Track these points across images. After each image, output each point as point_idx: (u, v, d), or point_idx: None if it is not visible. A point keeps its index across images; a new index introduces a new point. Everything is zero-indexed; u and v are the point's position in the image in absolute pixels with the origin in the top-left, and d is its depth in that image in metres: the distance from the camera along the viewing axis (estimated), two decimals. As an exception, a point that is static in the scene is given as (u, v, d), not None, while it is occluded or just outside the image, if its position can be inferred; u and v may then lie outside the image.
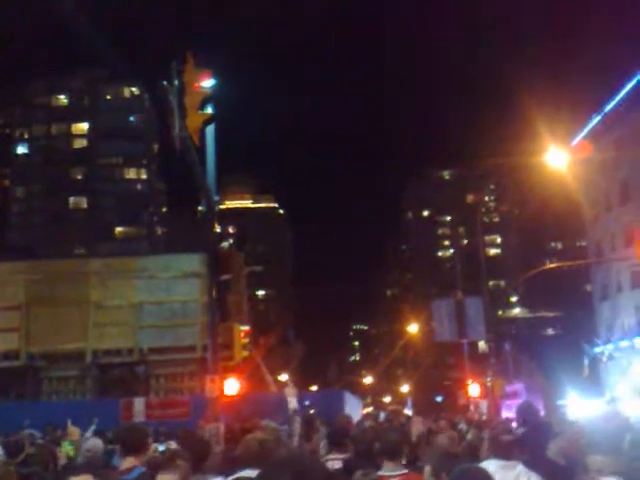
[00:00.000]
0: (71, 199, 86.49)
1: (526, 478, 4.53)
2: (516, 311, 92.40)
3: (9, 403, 22.32)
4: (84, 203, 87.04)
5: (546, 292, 72.53)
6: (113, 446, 8.21)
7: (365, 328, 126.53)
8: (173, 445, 9.05)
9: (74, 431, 12.13)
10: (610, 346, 36.31)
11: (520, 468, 4.82)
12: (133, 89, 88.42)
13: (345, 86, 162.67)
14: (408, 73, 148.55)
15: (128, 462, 5.11)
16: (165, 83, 13.11)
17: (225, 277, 15.70)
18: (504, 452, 4.91)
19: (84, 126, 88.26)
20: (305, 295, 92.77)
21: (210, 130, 15.27)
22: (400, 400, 62.84)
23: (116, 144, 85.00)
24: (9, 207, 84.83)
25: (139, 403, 21.60)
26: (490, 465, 4.28)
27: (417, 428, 7.90)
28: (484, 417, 17.88)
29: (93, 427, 14.97)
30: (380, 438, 5.41)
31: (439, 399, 68.04)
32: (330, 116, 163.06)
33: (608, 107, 39.10)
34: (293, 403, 6.25)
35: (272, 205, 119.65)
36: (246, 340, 27.80)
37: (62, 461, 9.02)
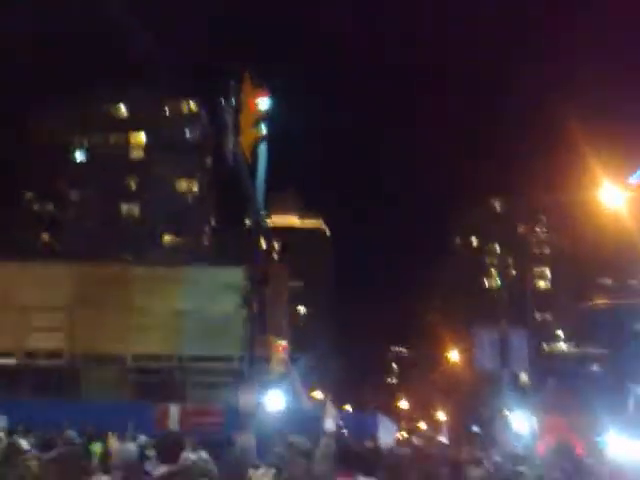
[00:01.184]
0: (124, 206, 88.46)
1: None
2: (561, 346, 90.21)
3: (48, 402, 22.78)
4: (136, 211, 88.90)
5: (593, 328, 70.68)
6: (147, 451, 8.33)
7: (404, 351, 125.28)
8: (204, 455, 9.11)
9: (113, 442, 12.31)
10: (657, 388, 35.04)
11: None
12: (191, 104, 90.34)
13: (399, 109, 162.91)
14: (461, 100, 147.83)
15: (161, 469, 5.37)
16: (223, 101, 13.41)
17: (267, 291, 15.83)
18: None
19: (142, 137, 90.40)
20: (346, 314, 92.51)
21: (262, 148, 15.51)
22: (436, 427, 61.86)
23: (171, 156, 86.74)
24: (64, 211, 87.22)
25: (174, 410, 21.80)
26: None
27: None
28: (522, 451, 17.46)
29: (130, 431, 15.19)
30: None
31: (476, 429, 66.68)
32: (382, 137, 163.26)
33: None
34: (330, 424, 6.20)
35: (318, 224, 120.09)
36: (284, 355, 27.86)
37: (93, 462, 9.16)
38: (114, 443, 14.60)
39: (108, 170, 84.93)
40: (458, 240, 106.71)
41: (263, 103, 13.98)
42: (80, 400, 25.25)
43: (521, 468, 7.46)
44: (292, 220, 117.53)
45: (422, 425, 77.46)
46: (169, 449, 5.77)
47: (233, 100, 13.19)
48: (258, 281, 15.42)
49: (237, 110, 13.20)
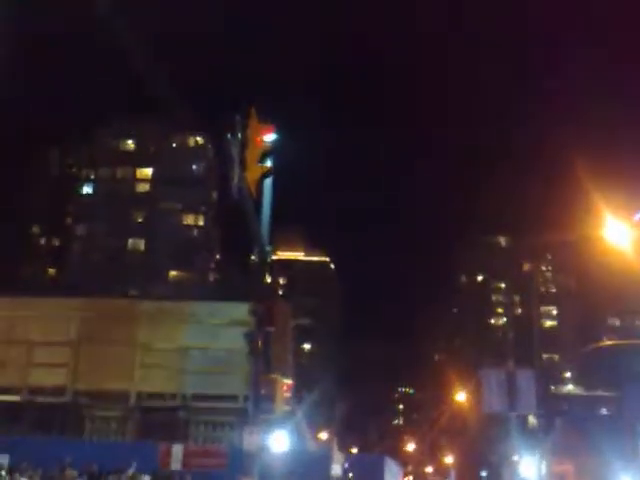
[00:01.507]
0: (130, 240, 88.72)
1: None
2: (569, 388, 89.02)
3: (51, 439, 22.49)
4: (142, 245, 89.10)
5: (601, 370, 69.84)
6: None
7: (410, 392, 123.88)
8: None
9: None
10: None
11: None
12: (198, 138, 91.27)
13: (405, 146, 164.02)
14: (464, 132, 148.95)
15: None
16: (229, 136, 13.49)
17: (271, 329, 15.70)
18: None
19: (148, 171, 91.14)
20: (351, 353, 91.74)
21: (267, 182, 15.59)
22: (443, 472, 60.75)
23: (177, 190, 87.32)
24: (70, 245, 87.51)
25: (177, 450, 21.48)
26: None
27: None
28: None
29: (132, 470, 14.97)
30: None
31: (484, 474, 65.46)
32: (388, 176, 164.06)
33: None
34: (337, 470, 6.06)
35: (323, 259, 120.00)
36: (288, 394, 27.54)
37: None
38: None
39: (114, 204, 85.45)
40: (464, 278, 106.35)
41: (269, 138, 14.09)
42: (83, 438, 24.96)
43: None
44: (297, 255, 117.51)
45: (429, 469, 76.15)
46: None
47: (239, 135, 13.26)
48: (263, 318, 15.29)
49: (243, 145, 13.26)
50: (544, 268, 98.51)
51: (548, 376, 70.00)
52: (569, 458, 26.32)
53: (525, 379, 19.26)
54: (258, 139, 13.73)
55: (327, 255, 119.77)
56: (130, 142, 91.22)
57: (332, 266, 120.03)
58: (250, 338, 15.32)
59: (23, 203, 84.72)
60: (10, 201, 79.87)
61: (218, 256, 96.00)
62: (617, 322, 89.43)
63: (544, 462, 19.87)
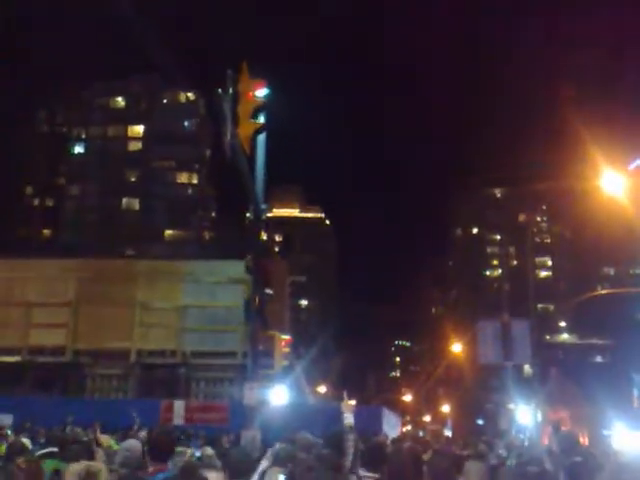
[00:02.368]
0: (124, 200, 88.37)
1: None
2: (564, 336, 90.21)
3: (53, 398, 22.77)
4: (136, 205, 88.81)
5: (596, 319, 70.69)
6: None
7: (407, 344, 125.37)
8: (209, 451, 9.04)
9: (104, 439, 12.26)
10: (661, 377, 35.03)
11: None
12: (189, 94, 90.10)
13: (399, 98, 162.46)
14: (462, 87, 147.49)
15: (155, 466, 5.49)
16: (220, 91, 13.25)
17: (268, 286, 15.75)
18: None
19: (140, 129, 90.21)
20: (348, 307, 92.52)
21: (261, 139, 15.40)
22: (440, 420, 61.93)
23: (170, 148, 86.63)
24: (63, 205, 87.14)
25: (179, 406, 21.80)
26: None
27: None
28: (526, 443, 17.42)
29: (136, 427, 15.15)
30: (430, 464, 5.33)
31: (480, 422, 66.78)
32: (382, 128, 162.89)
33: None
34: (350, 419, 6.16)
35: (319, 215, 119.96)
36: (287, 349, 27.85)
37: (100, 455, 9.12)
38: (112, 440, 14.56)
39: (107, 163, 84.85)
40: (459, 231, 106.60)
41: (261, 93, 13.84)
42: (85, 396, 25.27)
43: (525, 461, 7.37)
44: (293, 212, 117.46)
45: (426, 418, 77.58)
46: (160, 447, 5.77)
47: (230, 90, 13.00)
48: (259, 275, 15.31)
49: (235, 100, 13.01)
50: (539, 219, 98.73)
51: (543, 326, 70.80)
52: (564, 406, 26.82)
53: (520, 329, 19.45)
54: (250, 94, 13.50)
55: (323, 211, 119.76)
56: (120, 100, 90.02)
57: (328, 222, 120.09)
58: (248, 295, 15.37)
59: (14, 164, 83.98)
60: (1, 162, 79.17)
61: (213, 214, 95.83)
62: (612, 271, 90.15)
63: (539, 410, 20.25)
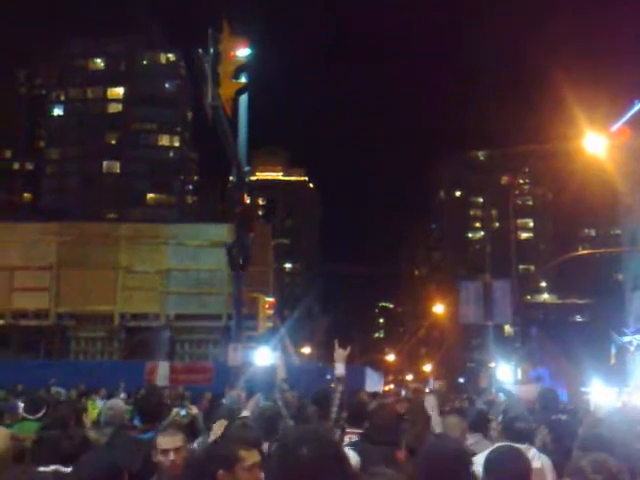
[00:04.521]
0: (104, 163, 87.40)
1: (539, 462, 4.53)
2: (545, 297, 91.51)
3: (37, 361, 22.84)
4: (117, 168, 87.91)
5: (576, 279, 71.65)
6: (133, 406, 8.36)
7: (391, 306, 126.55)
8: (194, 410, 9.14)
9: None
10: (638, 336, 35.75)
11: (533, 451, 4.89)
12: (169, 55, 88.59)
13: (381, 61, 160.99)
14: (444, 50, 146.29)
15: (145, 425, 5.61)
16: (200, 51, 13.03)
17: (252, 248, 15.74)
18: (517, 436, 4.98)
19: (119, 91, 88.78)
20: (332, 270, 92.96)
21: (243, 100, 15.20)
22: (422, 379, 62.83)
23: (150, 110, 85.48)
24: (43, 168, 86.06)
25: (163, 367, 21.96)
26: None
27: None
28: (504, 399, 17.76)
29: (121, 388, 15.27)
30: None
31: (461, 380, 67.97)
32: (365, 91, 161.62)
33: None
34: (340, 369, 6.17)
35: (302, 178, 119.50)
36: (271, 311, 28.03)
37: (87, 420, 9.17)
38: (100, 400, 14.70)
39: (87, 126, 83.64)
40: (442, 194, 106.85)
41: (243, 52, 13.58)
42: (69, 359, 25.35)
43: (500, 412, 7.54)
44: (277, 175, 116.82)
45: (409, 377, 78.77)
46: (148, 407, 5.86)
47: (211, 50, 12.75)
48: (242, 238, 15.29)
49: (216, 60, 12.78)
50: (521, 181, 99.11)
51: (524, 286, 71.69)
52: (544, 364, 27.35)
53: (501, 289, 19.75)
54: (231, 53, 13.26)
55: (307, 174, 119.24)
56: (99, 61, 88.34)
57: (312, 185, 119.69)
58: (231, 258, 15.36)
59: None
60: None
61: (196, 178, 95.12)
62: (592, 232, 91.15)
63: (520, 368, 20.65)
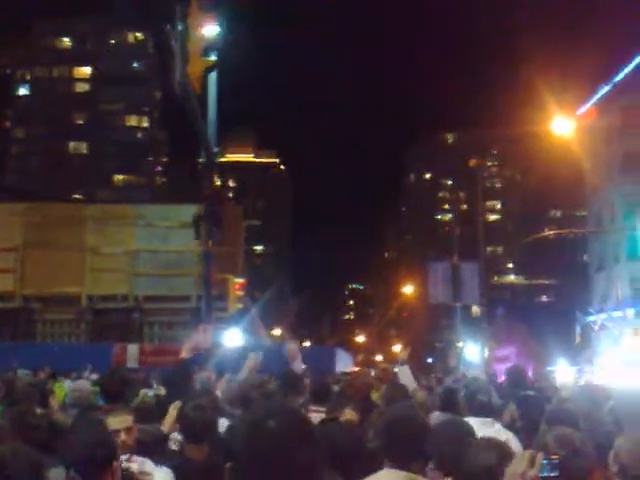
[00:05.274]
0: (71, 144, 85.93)
1: (505, 436, 4.57)
2: (511, 277, 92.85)
3: (3, 344, 22.47)
4: (84, 148, 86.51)
5: (542, 260, 72.77)
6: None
7: (361, 288, 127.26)
8: (163, 391, 9.10)
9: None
10: (603, 315, 36.56)
11: (498, 426, 4.92)
12: (137, 34, 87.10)
13: (351, 43, 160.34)
14: (412, 33, 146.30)
15: (109, 405, 5.52)
16: (169, 27, 12.77)
17: (222, 230, 15.63)
18: (480, 410, 5.01)
19: (87, 70, 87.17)
20: (303, 252, 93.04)
21: (212, 78, 14.99)
22: (392, 359, 63.38)
23: (118, 90, 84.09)
24: (8, 149, 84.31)
25: (133, 349, 21.78)
26: (469, 421, 4.28)
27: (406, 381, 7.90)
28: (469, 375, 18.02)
29: (88, 371, 15.11)
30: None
31: (430, 360, 68.83)
32: (336, 74, 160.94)
33: (617, 77, 38.55)
34: (298, 366, 6.19)
35: (274, 160, 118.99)
36: (241, 293, 27.96)
37: (54, 402, 9.06)
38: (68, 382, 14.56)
39: (53, 105, 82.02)
40: (412, 177, 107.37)
41: (211, 29, 13.33)
42: (35, 342, 25.00)
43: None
44: (247, 157, 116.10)
45: (378, 357, 79.48)
46: (112, 388, 5.83)
47: (179, 26, 12.46)
48: (212, 219, 15.16)
49: (184, 37, 12.51)
50: (490, 163, 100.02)
51: (492, 267, 72.56)
52: (510, 343, 27.83)
53: (469, 271, 20.00)
54: (200, 30, 13.03)
55: (277, 156, 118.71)
56: (66, 40, 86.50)
57: (282, 166, 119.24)
58: (200, 239, 15.24)
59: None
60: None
61: (165, 159, 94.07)
62: (558, 214, 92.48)
63: (486, 348, 20.99)
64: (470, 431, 3.54)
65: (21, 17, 77.92)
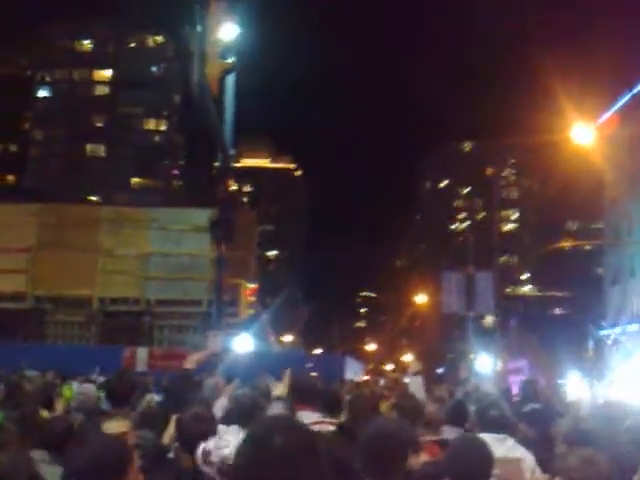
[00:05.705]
0: (89, 146, 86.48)
1: (519, 452, 4.41)
2: (526, 289, 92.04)
3: (14, 345, 22.50)
4: (102, 151, 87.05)
5: (557, 272, 72.08)
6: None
7: (373, 295, 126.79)
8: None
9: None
10: (617, 329, 36.06)
11: (511, 442, 4.75)
12: (157, 38, 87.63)
13: (371, 49, 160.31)
14: (432, 42, 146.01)
15: (115, 410, 5.47)
16: (187, 28, 12.76)
17: (235, 234, 15.56)
18: (492, 425, 4.82)
19: (106, 73, 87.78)
20: (316, 258, 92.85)
21: (230, 80, 14.95)
22: (402, 369, 63.08)
23: (137, 93, 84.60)
24: (28, 150, 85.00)
25: (142, 352, 21.75)
26: (482, 437, 4.13)
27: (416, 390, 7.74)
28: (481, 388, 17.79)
29: (96, 373, 15.07)
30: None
31: (441, 370, 68.33)
32: (355, 80, 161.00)
33: (638, 86, 38.03)
34: (280, 390, 6.07)
35: (290, 166, 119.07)
36: (252, 298, 27.87)
37: (59, 405, 8.99)
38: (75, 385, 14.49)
39: (73, 108, 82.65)
40: (428, 184, 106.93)
41: (230, 31, 13.30)
42: (45, 343, 25.03)
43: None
44: (263, 162, 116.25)
45: (389, 366, 79.09)
46: (118, 392, 5.75)
47: (199, 28, 12.44)
48: (225, 224, 15.11)
49: (203, 39, 12.48)
50: (508, 172, 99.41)
51: (506, 278, 72.07)
52: (523, 355, 27.50)
53: (483, 281, 19.79)
54: (219, 32, 13.00)
55: (294, 162, 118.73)
56: (87, 42, 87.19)
57: (299, 173, 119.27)
58: (214, 244, 15.20)
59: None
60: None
61: (182, 163, 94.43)
62: (575, 226, 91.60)
63: (499, 360, 20.72)
64: (489, 453, 3.43)
65: (41, 19, 78.60)
